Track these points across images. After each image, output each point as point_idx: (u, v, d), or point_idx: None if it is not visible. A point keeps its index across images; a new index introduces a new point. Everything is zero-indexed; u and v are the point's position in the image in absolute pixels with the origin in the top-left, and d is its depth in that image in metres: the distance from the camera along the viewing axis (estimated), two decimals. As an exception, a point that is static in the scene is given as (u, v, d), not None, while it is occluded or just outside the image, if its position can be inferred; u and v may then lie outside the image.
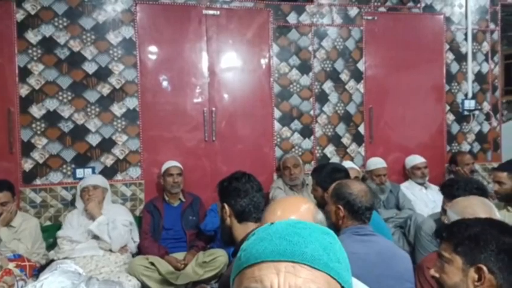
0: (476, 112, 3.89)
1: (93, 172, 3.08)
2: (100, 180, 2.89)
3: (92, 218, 2.71)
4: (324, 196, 2.20)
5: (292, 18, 3.48)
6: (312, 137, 3.54)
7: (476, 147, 3.94)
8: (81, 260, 2.55)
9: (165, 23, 3.25)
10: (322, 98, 3.55)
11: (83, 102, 3.10)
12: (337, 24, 3.57)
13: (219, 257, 2.74)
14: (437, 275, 1.16)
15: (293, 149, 3.50)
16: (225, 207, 1.57)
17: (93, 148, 3.12)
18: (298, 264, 0.52)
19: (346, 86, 3.60)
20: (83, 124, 3.10)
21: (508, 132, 4.16)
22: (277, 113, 3.46)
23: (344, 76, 3.59)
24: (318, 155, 3.56)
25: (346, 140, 3.62)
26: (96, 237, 2.68)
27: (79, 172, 3.07)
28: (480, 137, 3.94)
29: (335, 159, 3.56)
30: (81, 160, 3.10)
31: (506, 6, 4.02)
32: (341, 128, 3.60)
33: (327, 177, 2.25)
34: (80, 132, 3.09)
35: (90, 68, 3.10)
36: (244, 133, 3.41)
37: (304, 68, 3.50)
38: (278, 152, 3.47)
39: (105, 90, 3.14)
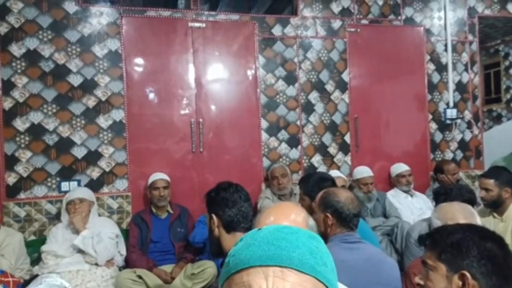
0: (458, 121, 4.00)
1: (79, 185, 3.04)
2: (86, 193, 2.84)
3: (77, 232, 2.66)
4: (311, 205, 2.21)
5: (277, 31, 3.54)
6: (299, 147, 3.58)
7: (459, 155, 4.03)
8: (66, 274, 2.49)
9: (151, 35, 3.27)
10: (308, 108, 3.60)
11: (68, 114, 3.07)
12: (321, 36, 3.65)
13: (207, 268, 2.71)
14: (422, 282, 1.17)
15: (280, 159, 3.52)
16: (213, 218, 1.57)
17: (79, 161, 3.09)
18: (286, 268, 0.53)
19: (332, 97, 3.66)
20: (68, 137, 3.06)
21: (489, 140, 4.27)
22: (264, 124, 3.49)
23: (329, 87, 3.66)
24: (305, 164, 3.59)
25: (332, 150, 3.66)
26: (81, 251, 2.62)
27: (64, 185, 3.02)
28: (462, 145, 4.04)
29: (322, 168, 3.59)
30: (67, 173, 3.05)
31: (483, 18, 4.17)
32: (327, 138, 3.65)
33: (314, 187, 2.27)
34: (65, 145, 3.06)
35: (75, 80, 3.08)
36: (231, 144, 3.43)
37: (290, 79, 3.56)
38: (266, 162, 3.49)
39: (91, 102, 3.12)
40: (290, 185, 3.29)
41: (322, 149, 3.63)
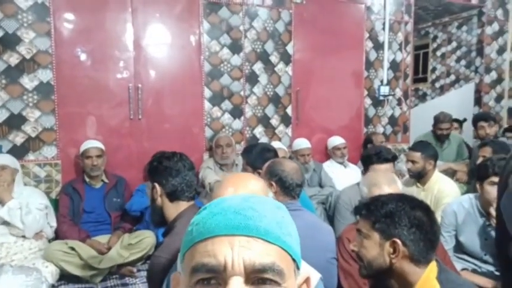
0: (390, 97, 4.26)
1: (0, 151, 2.75)
2: (9, 160, 2.57)
3: (1, 202, 2.43)
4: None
5: (223, -5, 3.42)
6: (242, 118, 3.57)
7: (389, 129, 4.32)
8: (-12, 247, 2.30)
9: (83, -12, 2.97)
10: (252, 79, 3.58)
11: (-15, 72, 2.73)
12: (267, 5, 3.59)
13: (145, 238, 2.66)
14: (356, 249, 1.25)
15: (223, 129, 3.49)
16: (155, 187, 1.52)
17: (0, 125, 2.78)
18: (252, 238, 0.52)
19: (276, 68, 3.67)
20: (-15, 97, 2.74)
21: (414, 117, 4.64)
22: (207, 92, 3.41)
23: (274, 58, 3.65)
24: (247, 135, 3.60)
25: (274, 121, 3.71)
26: (6, 223, 2.41)
27: (-17, 152, 2.72)
28: (392, 120, 4.33)
29: (264, 139, 3.64)
30: (-15, 138, 2.75)
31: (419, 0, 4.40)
32: (270, 110, 3.68)
33: (257, 157, 2.30)
34: (-17, 106, 2.73)
35: (-7, 33, 2.73)
36: (173, 112, 3.31)
37: (235, 47, 3.48)
38: (208, 132, 3.43)
39: (13, 59, 2.79)
40: (233, 156, 3.29)
41: (264, 121, 3.67)
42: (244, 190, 1.11)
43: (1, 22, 2.74)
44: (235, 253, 0.51)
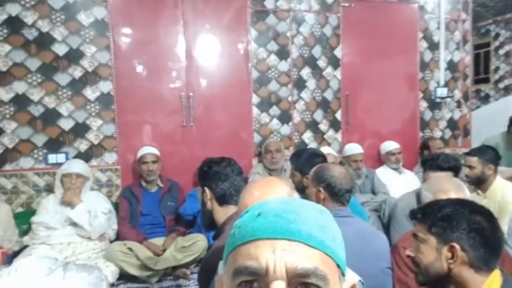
0: (448, 100, 4.02)
1: (67, 158, 2.99)
2: (85, 169, 2.78)
3: (71, 205, 2.62)
4: (302, 181, 2.23)
5: (269, 3, 3.45)
6: (291, 123, 3.56)
7: (448, 133, 4.08)
8: (57, 246, 2.49)
9: (139, 4, 3.16)
10: (300, 84, 3.56)
11: (53, 85, 2.98)
12: (314, 10, 3.57)
13: (198, 241, 2.74)
14: (412, 255, 1.19)
15: (272, 135, 3.51)
16: (205, 191, 1.57)
17: (66, 133, 3.02)
18: (294, 242, 0.51)
19: (324, 73, 3.63)
20: (54, 108, 2.99)
21: (477, 120, 4.33)
22: (255, 99, 3.45)
23: (321, 63, 3.61)
24: (296, 140, 3.59)
25: (323, 126, 3.66)
26: (73, 224, 2.60)
27: (51, 158, 2.97)
28: (451, 123, 4.09)
29: (313, 145, 3.60)
30: (54, 145, 2.99)
31: (477, -4, 4.14)
32: (318, 114, 3.64)
33: (305, 162, 2.27)
34: (52, 116, 2.98)
35: (60, 49, 2.98)
36: (222, 119, 3.39)
37: (283, 53, 3.50)
38: (257, 138, 3.47)
39: (77, 73, 3.03)
40: (282, 161, 3.29)
41: (313, 126, 3.63)
42: (270, 194, 1.11)
43: (66, 39, 2.99)
44: (277, 257, 0.50)
